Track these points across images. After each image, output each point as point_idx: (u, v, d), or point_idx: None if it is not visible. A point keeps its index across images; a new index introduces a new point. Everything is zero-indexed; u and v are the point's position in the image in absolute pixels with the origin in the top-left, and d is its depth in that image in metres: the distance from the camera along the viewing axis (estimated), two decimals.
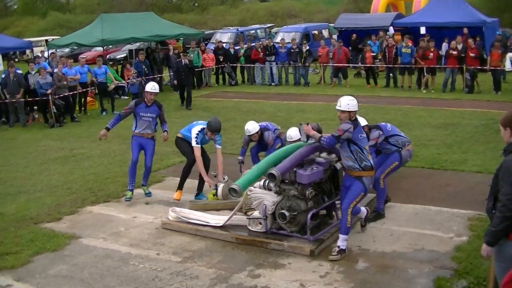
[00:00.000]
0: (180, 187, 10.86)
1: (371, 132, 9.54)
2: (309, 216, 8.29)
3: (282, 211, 8.46)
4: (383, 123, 9.99)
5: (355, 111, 8.18)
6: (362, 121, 9.05)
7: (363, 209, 8.93)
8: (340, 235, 8.14)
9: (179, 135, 11.06)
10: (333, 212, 9.13)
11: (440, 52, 24.11)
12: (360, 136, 8.20)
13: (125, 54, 36.90)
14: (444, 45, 24.46)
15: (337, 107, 8.17)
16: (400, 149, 9.78)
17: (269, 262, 8.13)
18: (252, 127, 11.41)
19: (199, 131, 10.56)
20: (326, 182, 8.91)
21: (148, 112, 11.08)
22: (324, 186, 8.87)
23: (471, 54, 22.28)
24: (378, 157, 9.93)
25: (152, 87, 11.13)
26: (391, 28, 29.50)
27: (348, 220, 8.04)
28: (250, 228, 8.93)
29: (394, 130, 9.91)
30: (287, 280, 7.52)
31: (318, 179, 8.65)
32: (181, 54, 23.55)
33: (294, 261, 8.07)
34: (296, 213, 8.45)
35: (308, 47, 27.08)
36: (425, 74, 23.29)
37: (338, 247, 8.12)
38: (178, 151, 11.46)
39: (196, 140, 10.51)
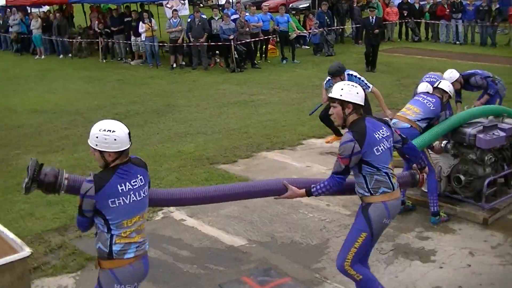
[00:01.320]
0: (334, 132, 11.44)
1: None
2: (486, 183, 7.94)
3: (458, 175, 8.20)
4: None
5: (350, 102, 5.23)
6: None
7: None
8: None
9: None
10: None
11: None
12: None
13: (307, 4, 36.72)
14: None
15: (330, 95, 5.40)
16: None
17: (439, 225, 7.93)
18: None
19: (328, 79, 10.49)
20: (508, 149, 8.50)
21: None
22: (505, 153, 8.47)
23: None
24: None
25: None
26: None
27: None
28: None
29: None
30: (456, 246, 7.31)
31: (499, 145, 8.26)
32: (368, 10, 22.49)
33: (465, 227, 7.82)
34: (472, 178, 8.13)
35: (498, 6, 25.59)
36: None
37: None
38: None
39: (325, 86, 10.66)
